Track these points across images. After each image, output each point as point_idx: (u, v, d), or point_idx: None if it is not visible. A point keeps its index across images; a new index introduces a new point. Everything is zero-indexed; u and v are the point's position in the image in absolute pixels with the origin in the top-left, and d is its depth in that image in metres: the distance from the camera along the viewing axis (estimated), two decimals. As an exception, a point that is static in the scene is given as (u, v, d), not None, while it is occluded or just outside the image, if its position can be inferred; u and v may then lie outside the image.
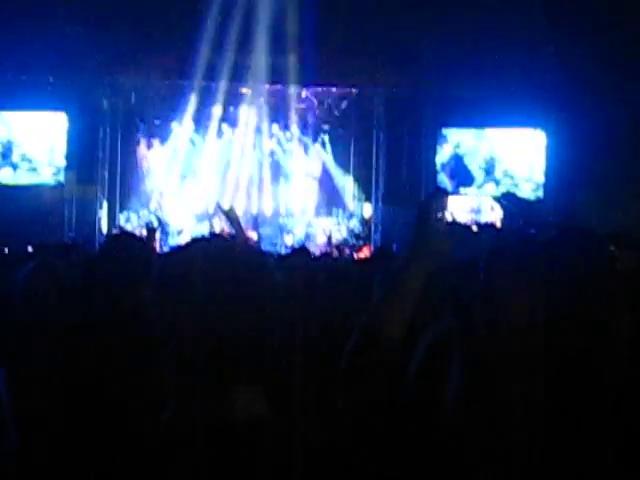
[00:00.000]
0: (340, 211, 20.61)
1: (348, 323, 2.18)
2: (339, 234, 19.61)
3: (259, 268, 1.77)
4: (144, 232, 18.04)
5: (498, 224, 2.26)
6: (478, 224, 2.22)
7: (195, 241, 1.81)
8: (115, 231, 18.80)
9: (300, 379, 2.89)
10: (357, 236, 19.45)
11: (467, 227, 2.21)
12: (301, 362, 3.03)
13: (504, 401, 1.71)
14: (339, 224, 20.02)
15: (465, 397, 1.79)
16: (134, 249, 3.66)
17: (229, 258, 1.76)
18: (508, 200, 2.28)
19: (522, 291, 1.72)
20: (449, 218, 2.16)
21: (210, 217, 19.55)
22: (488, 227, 2.25)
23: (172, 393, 1.74)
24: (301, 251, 5.88)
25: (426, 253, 2.12)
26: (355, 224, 20.12)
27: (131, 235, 5.14)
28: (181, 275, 1.71)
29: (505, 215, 2.24)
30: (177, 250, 1.84)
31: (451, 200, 2.18)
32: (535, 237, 1.93)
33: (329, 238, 19.25)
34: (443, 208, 2.16)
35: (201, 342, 1.67)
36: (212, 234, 2.07)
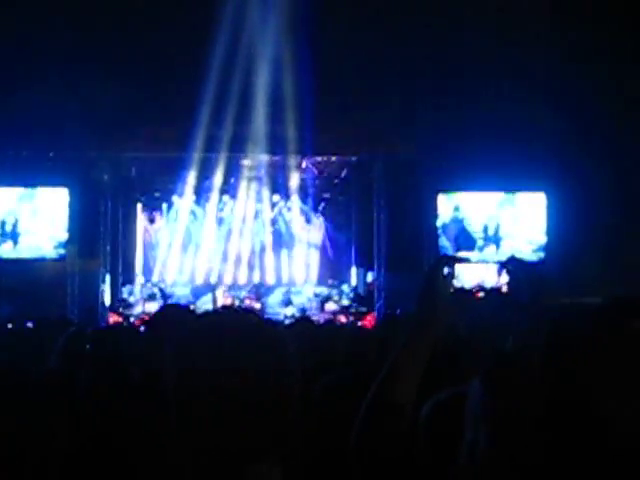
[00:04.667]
0: (342, 279, 20.60)
1: (361, 391, 2.17)
2: (341, 302, 19.52)
3: (276, 340, 1.76)
4: (147, 304, 18.17)
5: (504, 289, 2.27)
6: (483, 289, 2.22)
7: (212, 313, 1.79)
8: (118, 304, 18.85)
9: (316, 454, 2.86)
10: (360, 304, 19.34)
11: (472, 293, 2.21)
12: (316, 435, 3.00)
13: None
14: (342, 292, 19.96)
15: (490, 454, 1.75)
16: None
17: (248, 330, 1.74)
18: (513, 264, 2.29)
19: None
20: (456, 284, 2.16)
21: (213, 288, 19.57)
22: (494, 292, 2.25)
23: (188, 475, 1.70)
24: (305, 320, 5.89)
25: (433, 321, 2.12)
26: (358, 292, 20.06)
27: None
28: (202, 347, 1.69)
29: (511, 280, 2.25)
30: (197, 321, 1.82)
31: (458, 266, 2.19)
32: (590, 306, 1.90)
33: (322, 304, 19.16)
34: (451, 275, 2.17)
35: (218, 417, 1.64)
36: (225, 307, 2.07)
